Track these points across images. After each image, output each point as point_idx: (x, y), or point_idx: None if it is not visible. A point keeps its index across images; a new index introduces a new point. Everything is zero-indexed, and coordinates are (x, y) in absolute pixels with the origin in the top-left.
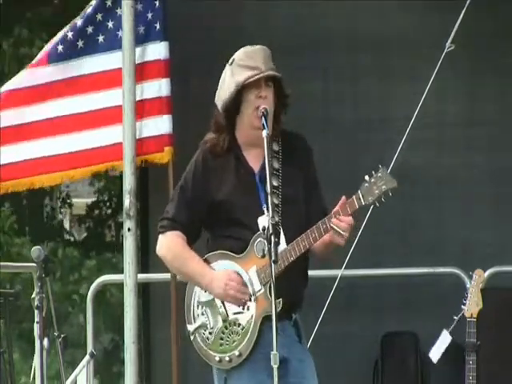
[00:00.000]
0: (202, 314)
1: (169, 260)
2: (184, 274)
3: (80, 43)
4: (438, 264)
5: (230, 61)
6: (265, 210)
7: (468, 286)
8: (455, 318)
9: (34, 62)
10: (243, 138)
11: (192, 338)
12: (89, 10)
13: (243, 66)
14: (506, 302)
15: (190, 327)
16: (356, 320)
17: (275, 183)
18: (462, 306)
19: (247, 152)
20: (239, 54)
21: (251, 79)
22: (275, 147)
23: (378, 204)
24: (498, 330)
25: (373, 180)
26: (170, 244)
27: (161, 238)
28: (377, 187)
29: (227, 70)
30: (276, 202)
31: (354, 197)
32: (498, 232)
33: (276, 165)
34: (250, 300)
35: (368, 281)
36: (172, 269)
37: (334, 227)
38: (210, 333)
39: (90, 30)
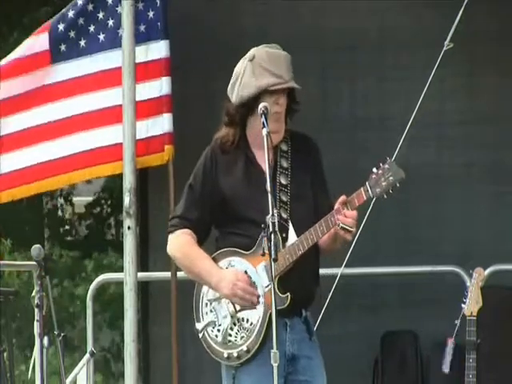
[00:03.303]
0: (211, 312)
1: (178, 259)
2: (193, 273)
3: (82, 42)
4: (438, 262)
5: (250, 56)
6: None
7: (468, 284)
8: (456, 322)
9: (32, 53)
10: (254, 138)
11: (201, 335)
12: (89, 7)
13: (267, 69)
14: (505, 300)
15: (199, 325)
16: (356, 319)
17: (284, 181)
18: (462, 305)
19: (256, 151)
20: (262, 54)
21: (274, 87)
22: (284, 147)
23: (385, 196)
24: (497, 329)
25: (380, 172)
26: (179, 243)
27: (170, 237)
28: (384, 179)
29: (247, 66)
30: (285, 199)
31: (361, 189)
32: (498, 230)
33: (285, 164)
34: (259, 302)
35: (368, 279)
36: (181, 267)
37: (341, 224)
38: (219, 330)
39: (91, 28)
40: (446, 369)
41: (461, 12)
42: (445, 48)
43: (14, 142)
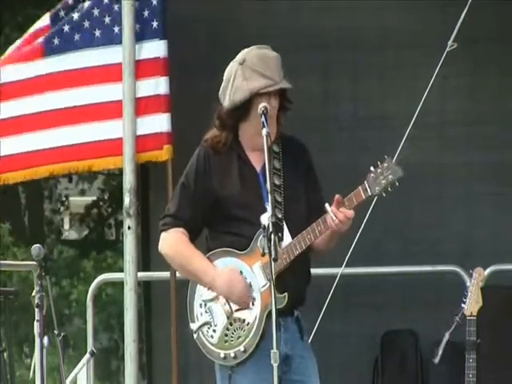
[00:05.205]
0: (206, 312)
1: (171, 257)
2: (187, 272)
3: (76, 36)
4: (438, 262)
5: (241, 60)
6: (267, 207)
7: (468, 284)
8: (456, 318)
9: (25, 51)
10: (247, 141)
11: (195, 336)
12: (86, 4)
13: (258, 72)
14: (505, 300)
15: (193, 325)
16: (356, 318)
17: (277, 182)
18: (462, 305)
19: (249, 152)
20: (252, 57)
21: (266, 89)
22: (276, 149)
23: (384, 194)
24: (497, 328)
25: (379, 170)
26: (172, 241)
27: (163, 235)
28: (383, 177)
29: (238, 69)
30: (279, 199)
31: (360, 188)
32: (498, 230)
33: (277, 165)
34: (253, 304)
35: (368, 279)
36: (174, 266)
37: (331, 214)
38: (214, 330)
39: (86, 24)
40: (436, 360)
41: (464, 12)
42: (448, 48)
43: (14, 126)
